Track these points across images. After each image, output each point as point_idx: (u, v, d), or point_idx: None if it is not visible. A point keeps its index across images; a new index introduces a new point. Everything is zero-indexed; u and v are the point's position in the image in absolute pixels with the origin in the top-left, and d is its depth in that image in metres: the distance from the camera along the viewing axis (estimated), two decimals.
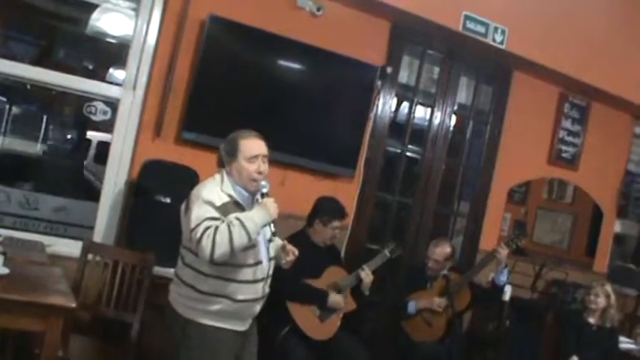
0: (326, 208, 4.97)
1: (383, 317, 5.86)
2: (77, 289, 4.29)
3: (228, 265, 3.41)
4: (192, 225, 3.31)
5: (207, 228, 3.26)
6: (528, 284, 6.41)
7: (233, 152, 3.52)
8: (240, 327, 3.62)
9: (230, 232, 3.25)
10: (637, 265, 7.68)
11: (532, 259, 6.53)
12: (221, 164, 3.61)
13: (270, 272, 3.67)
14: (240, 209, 3.45)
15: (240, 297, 3.50)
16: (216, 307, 3.48)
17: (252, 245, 3.43)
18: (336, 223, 4.94)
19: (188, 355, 3.53)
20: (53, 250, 4.66)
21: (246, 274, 3.49)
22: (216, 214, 3.33)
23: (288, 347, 4.61)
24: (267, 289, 3.67)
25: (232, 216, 3.33)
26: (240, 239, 3.27)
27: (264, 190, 3.50)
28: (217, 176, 3.55)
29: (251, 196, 3.56)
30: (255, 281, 3.54)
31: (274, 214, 3.41)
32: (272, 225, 3.50)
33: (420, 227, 6.30)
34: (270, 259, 3.65)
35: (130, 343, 4.31)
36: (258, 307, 3.66)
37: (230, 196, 3.46)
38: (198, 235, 3.27)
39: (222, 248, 3.24)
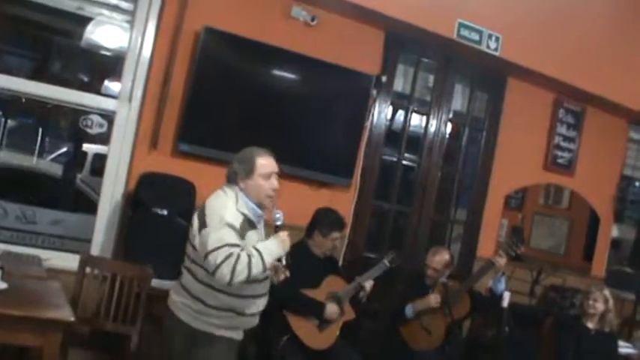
0: (325, 220, 4.97)
1: (382, 326, 5.85)
2: (75, 302, 4.28)
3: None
4: (211, 247, 3.39)
5: (229, 255, 3.35)
6: (526, 290, 6.42)
7: (249, 170, 3.61)
8: (239, 336, 3.73)
9: (249, 263, 3.38)
10: (634, 269, 7.68)
11: (529, 264, 6.54)
12: (231, 180, 3.66)
13: (267, 289, 3.78)
14: (251, 226, 3.57)
15: (247, 311, 3.64)
16: (221, 321, 3.59)
17: None
18: (335, 235, 4.94)
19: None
20: (51, 264, 4.65)
21: (256, 289, 3.63)
22: (237, 240, 3.44)
23: (288, 357, 4.61)
24: (264, 304, 3.79)
25: (252, 246, 3.47)
26: (257, 269, 3.41)
27: (279, 223, 3.64)
28: (229, 192, 3.62)
29: (262, 212, 3.67)
30: (262, 295, 3.70)
31: (287, 247, 3.57)
32: (284, 258, 3.61)
33: (418, 235, 6.30)
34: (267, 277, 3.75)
35: (129, 355, 4.30)
36: (257, 319, 3.77)
37: (244, 214, 3.55)
38: (219, 261, 3.35)
39: (240, 277, 3.36)
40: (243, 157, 3.67)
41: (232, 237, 3.42)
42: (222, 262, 3.34)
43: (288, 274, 3.74)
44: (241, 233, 3.48)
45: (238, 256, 3.36)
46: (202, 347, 3.59)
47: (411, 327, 5.36)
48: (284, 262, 3.62)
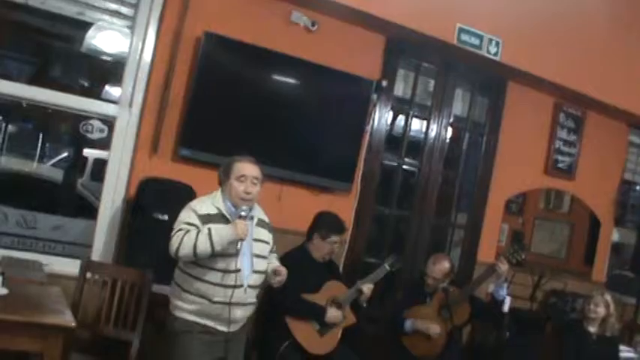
0: (325, 223, 4.97)
1: (382, 331, 5.84)
2: (76, 308, 4.29)
3: (197, 265, 3.80)
4: (174, 226, 3.80)
5: (181, 229, 3.74)
6: (527, 295, 6.42)
7: (227, 172, 3.94)
8: (222, 327, 3.90)
9: (196, 238, 3.67)
10: (635, 274, 7.67)
11: (530, 269, 6.53)
12: (219, 182, 4.00)
13: (253, 283, 3.94)
14: (225, 221, 3.82)
15: (216, 299, 3.81)
16: (195, 307, 3.84)
17: (232, 253, 3.77)
18: (334, 238, 4.94)
19: (171, 345, 3.90)
20: (52, 270, 4.65)
21: (215, 276, 3.81)
22: (195, 221, 3.77)
23: None
24: (246, 298, 3.92)
25: (207, 226, 3.72)
26: (203, 246, 3.67)
27: (242, 214, 3.83)
28: (214, 192, 3.98)
29: (239, 211, 3.87)
30: (230, 286, 3.83)
31: (242, 234, 3.74)
32: (239, 243, 3.77)
33: (418, 240, 6.30)
34: (255, 272, 3.94)
35: None
36: (238, 312, 3.91)
37: (218, 209, 3.87)
38: (172, 233, 3.75)
39: (185, 249, 3.68)
40: (226, 161, 4.01)
41: (191, 218, 3.78)
42: (174, 234, 3.73)
43: (285, 275, 3.99)
44: (206, 220, 3.77)
45: (188, 231, 3.70)
46: (181, 334, 3.86)
47: (411, 333, 5.35)
48: (239, 245, 3.77)
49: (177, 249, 3.68)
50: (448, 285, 5.28)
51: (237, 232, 3.72)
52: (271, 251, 4.12)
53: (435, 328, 5.22)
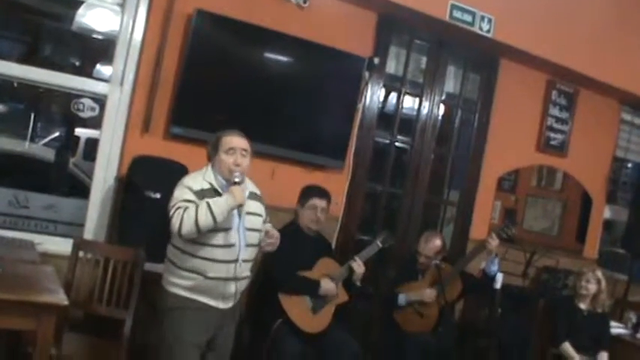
0: (305, 191, 5.03)
1: (375, 309, 5.87)
2: (69, 286, 4.30)
3: (198, 243, 3.77)
4: (170, 205, 3.76)
5: (179, 208, 3.70)
6: (519, 272, 6.43)
7: (215, 146, 3.94)
8: (219, 304, 3.91)
9: (197, 213, 3.64)
10: (626, 251, 7.71)
11: (522, 246, 6.55)
12: (209, 158, 3.99)
13: (247, 257, 3.92)
14: (218, 196, 3.80)
15: (211, 274, 3.80)
16: (190, 283, 3.83)
17: (225, 228, 3.77)
18: (314, 201, 4.96)
19: (163, 320, 3.90)
20: (44, 249, 4.65)
21: (215, 253, 3.80)
22: (191, 197, 3.75)
23: (281, 340, 4.61)
24: (241, 272, 3.90)
25: (204, 200, 3.71)
26: (205, 219, 3.64)
27: (236, 180, 3.82)
28: (204, 168, 3.97)
29: (229, 184, 3.86)
30: (224, 261, 3.82)
31: (240, 199, 3.76)
32: (239, 209, 3.81)
33: (411, 217, 6.31)
34: (248, 245, 3.91)
35: (123, 339, 4.30)
36: (232, 287, 3.91)
37: (210, 183, 3.86)
38: (171, 212, 3.71)
39: (187, 226, 3.64)
40: (214, 136, 4.00)
41: (187, 194, 3.76)
42: (174, 213, 3.69)
43: (277, 235, 4.00)
44: (201, 196, 3.75)
45: (186, 208, 3.68)
46: (175, 309, 3.85)
47: (404, 311, 5.38)
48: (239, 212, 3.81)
49: (180, 227, 3.64)
50: (440, 262, 5.30)
51: (236, 197, 3.72)
52: (264, 222, 4.08)
53: (429, 293, 5.25)
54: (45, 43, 10.12)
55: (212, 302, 3.87)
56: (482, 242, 5.35)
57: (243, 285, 4.01)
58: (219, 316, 3.93)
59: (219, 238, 3.78)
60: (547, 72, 6.84)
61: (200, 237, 3.73)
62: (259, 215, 4.02)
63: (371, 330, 5.87)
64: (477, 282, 5.43)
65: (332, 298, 4.89)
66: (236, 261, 3.84)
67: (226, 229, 3.79)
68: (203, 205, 3.66)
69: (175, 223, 3.66)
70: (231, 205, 3.72)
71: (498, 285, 5.17)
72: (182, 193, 3.78)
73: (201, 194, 3.76)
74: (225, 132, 3.97)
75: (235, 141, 3.92)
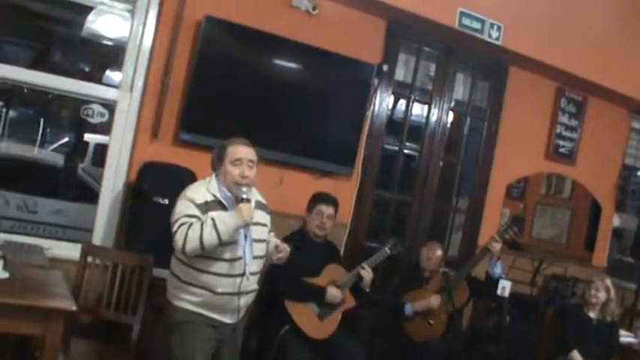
0: (313, 197, 5.05)
1: (383, 316, 5.85)
2: (77, 292, 4.30)
3: (203, 257, 3.63)
4: (172, 219, 3.63)
5: (183, 224, 3.56)
6: (528, 280, 6.42)
7: (220, 156, 3.77)
8: (228, 319, 3.81)
9: (201, 230, 3.51)
10: (636, 259, 7.68)
11: (531, 254, 6.54)
12: (213, 167, 3.84)
13: (254, 269, 3.80)
14: (222, 208, 3.67)
15: (219, 290, 3.69)
16: (199, 299, 3.70)
17: (231, 242, 3.63)
18: (320, 207, 4.97)
19: (171, 334, 3.77)
20: (52, 254, 4.66)
21: (221, 267, 3.67)
22: (195, 212, 3.61)
23: (288, 347, 4.60)
24: (248, 285, 3.79)
25: (209, 215, 3.58)
26: (210, 238, 3.52)
27: (244, 196, 3.66)
28: (208, 178, 3.81)
29: (234, 197, 3.72)
30: (231, 275, 3.70)
31: (248, 219, 3.61)
32: (248, 228, 3.69)
33: (419, 224, 6.30)
34: (255, 257, 3.79)
35: (130, 345, 4.31)
36: (241, 301, 3.80)
37: (214, 195, 3.70)
38: (174, 228, 3.59)
39: (191, 244, 3.52)
40: (219, 145, 3.83)
41: (191, 209, 3.61)
42: (177, 229, 3.57)
43: (288, 249, 3.89)
44: (205, 209, 3.62)
45: (191, 224, 3.54)
46: (183, 324, 3.73)
47: (412, 320, 5.36)
48: (246, 232, 3.69)
49: (184, 245, 3.52)
50: (447, 269, 5.30)
51: (244, 216, 3.57)
52: (269, 232, 3.94)
53: (434, 300, 5.24)
54: (55, 49, 10.19)
55: (220, 317, 3.77)
56: (485, 245, 5.36)
57: (251, 298, 3.89)
58: (228, 330, 3.84)
59: (225, 252, 3.66)
60: (556, 80, 6.82)
61: (213, 252, 3.60)
62: (265, 225, 3.90)
63: (378, 337, 5.85)
64: (481, 285, 5.44)
65: (339, 305, 4.88)
66: (243, 274, 3.72)
67: (233, 242, 3.66)
68: (208, 222, 3.52)
69: (179, 240, 3.54)
70: (238, 224, 3.58)
71: (506, 292, 5.16)
72: (185, 207, 3.62)
73: (205, 207, 3.62)
74: (230, 141, 3.80)
75: (242, 151, 3.74)
